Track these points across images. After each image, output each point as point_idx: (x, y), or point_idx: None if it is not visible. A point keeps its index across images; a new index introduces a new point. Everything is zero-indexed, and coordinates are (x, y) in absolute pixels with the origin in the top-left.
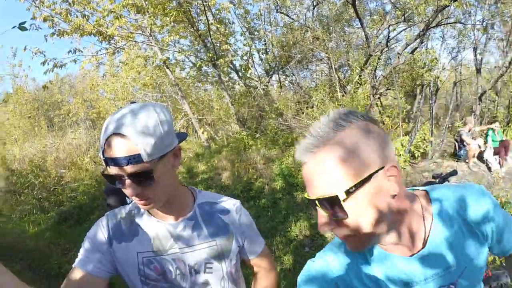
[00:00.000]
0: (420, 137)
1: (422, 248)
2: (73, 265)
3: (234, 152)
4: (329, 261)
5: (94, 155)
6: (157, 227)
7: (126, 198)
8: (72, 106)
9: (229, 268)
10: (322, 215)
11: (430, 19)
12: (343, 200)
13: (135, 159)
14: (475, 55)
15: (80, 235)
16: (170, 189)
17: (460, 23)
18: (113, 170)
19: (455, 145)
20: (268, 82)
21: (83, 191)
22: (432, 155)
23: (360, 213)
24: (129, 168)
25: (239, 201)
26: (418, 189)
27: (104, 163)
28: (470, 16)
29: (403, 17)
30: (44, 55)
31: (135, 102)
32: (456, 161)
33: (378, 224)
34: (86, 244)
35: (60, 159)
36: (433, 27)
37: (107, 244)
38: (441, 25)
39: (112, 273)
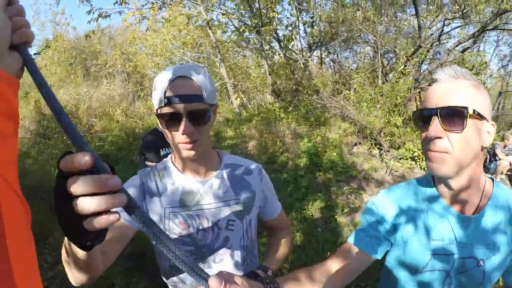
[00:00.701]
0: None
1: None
2: None
3: (264, 123)
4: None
5: (126, 107)
6: (186, 183)
7: (160, 151)
8: (110, 57)
9: (249, 227)
10: (436, 124)
11: (488, 20)
12: (469, 115)
13: (197, 98)
14: None
15: None
16: (209, 140)
17: None
18: (172, 108)
19: (486, 157)
20: (309, 57)
21: (111, 142)
22: None
23: (468, 136)
24: (191, 106)
25: (260, 164)
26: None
27: (162, 103)
28: None
29: (460, 12)
30: (90, 4)
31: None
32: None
33: (468, 155)
34: None
35: (92, 108)
36: (490, 29)
37: (140, 200)
38: (498, 29)
39: None
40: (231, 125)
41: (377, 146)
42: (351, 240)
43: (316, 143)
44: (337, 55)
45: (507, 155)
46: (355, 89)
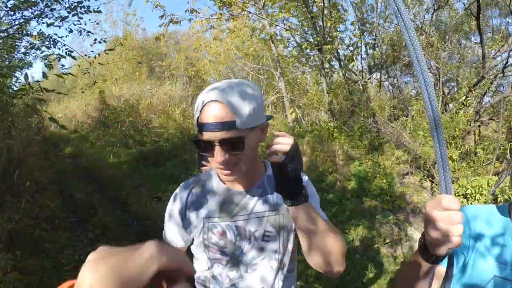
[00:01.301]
0: (510, 182)
1: None
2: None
3: (317, 140)
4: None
5: (184, 108)
6: (226, 193)
7: None
8: (174, 61)
9: (286, 239)
10: None
11: None
12: None
13: (228, 125)
14: None
15: (153, 175)
16: (252, 161)
17: None
18: (205, 136)
19: None
20: (368, 79)
21: (167, 138)
22: None
23: None
24: (222, 134)
25: (305, 174)
26: None
27: (197, 130)
28: None
29: None
30: (164, 9)
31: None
32: None
33: None
34: (167, 223)
35: (153, 105)
36: None
37: (182, 216)
38: None
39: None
40: None
41: (429, 178)
42: None
43: (367, 168)
44: (397, 79)
45: None
46: (412, 116)
